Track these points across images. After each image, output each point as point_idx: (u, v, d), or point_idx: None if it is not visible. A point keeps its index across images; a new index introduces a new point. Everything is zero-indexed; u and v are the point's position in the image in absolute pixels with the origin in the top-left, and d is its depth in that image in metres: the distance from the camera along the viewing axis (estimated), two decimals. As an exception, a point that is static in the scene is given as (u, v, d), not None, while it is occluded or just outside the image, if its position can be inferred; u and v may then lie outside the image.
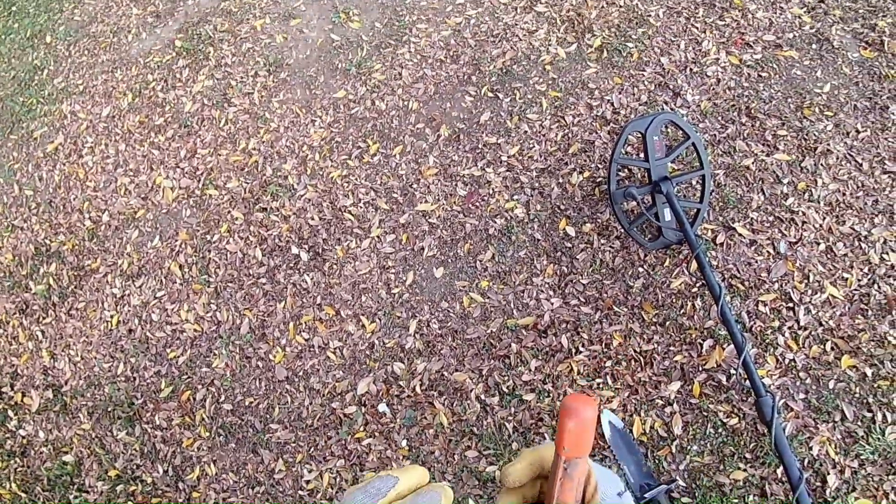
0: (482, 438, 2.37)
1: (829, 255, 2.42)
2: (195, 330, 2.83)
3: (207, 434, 2.65)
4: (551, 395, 2.37)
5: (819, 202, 2.52)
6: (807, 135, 2.66)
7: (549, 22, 3.19)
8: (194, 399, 2.72)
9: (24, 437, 2.88)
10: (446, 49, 3.24)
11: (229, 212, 3.06)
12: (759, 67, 2.86)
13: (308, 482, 2.47)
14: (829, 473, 2.08)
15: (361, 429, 2.49)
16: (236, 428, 2.63)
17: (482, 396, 2.42)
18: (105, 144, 3.44)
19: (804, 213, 2.50)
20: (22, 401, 2.94)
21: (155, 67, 3.64)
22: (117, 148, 3.41)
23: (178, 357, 2.80)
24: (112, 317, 2.98)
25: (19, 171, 3.56)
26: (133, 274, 3.04)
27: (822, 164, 2.59)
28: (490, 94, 3.05)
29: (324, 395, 2.58)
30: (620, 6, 3.14)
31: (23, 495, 2.76)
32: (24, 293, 3.19)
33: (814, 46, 2.89)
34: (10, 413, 2.93)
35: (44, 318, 3.09)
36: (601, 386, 2.35)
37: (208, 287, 2.91)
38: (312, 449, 2.52)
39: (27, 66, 4.00)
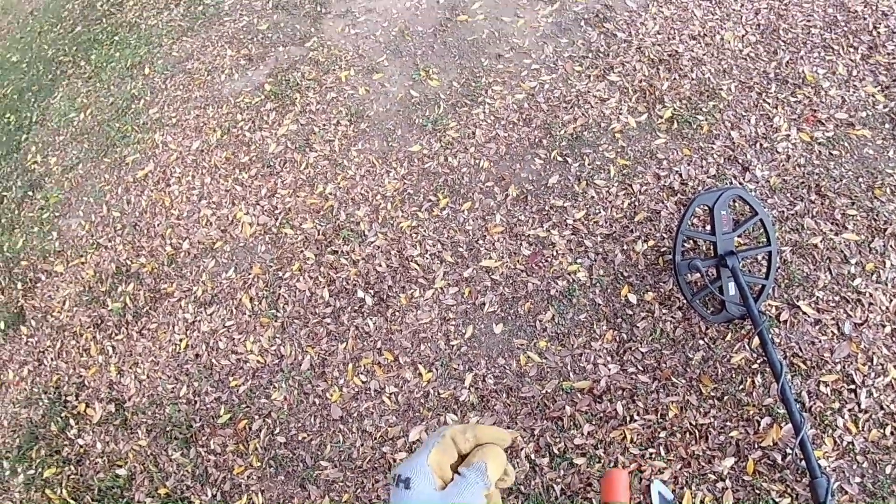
0: (528, 498, 2.38)
1: (894, 338, 2.38)
2: (258, 361, 2.95)
3: (259, 464, 2.72)
4: (602, 461, 2.38)
5: (887, 284, 2.49)
6: (877, 215, 2.64)
7: (620, 91, 3.27)
8: (250, 428, 2.81)
9: (81, 447, 2.99)
10: (519, 112, 3.36)
11: (302, 251, 3.20)
12: (831, 145, 2.87)
13: (354, 522, 2.52)
14: (880, 562, 2.03)
15: (411, 475, 2.53)
16: (287, 461, 2.70)
17: (532, 456, 2.44)
18: (192, 176, 3.66)
19: (871, 295, 2.48)
20: (85, 411, 3.07)
21: (244, 108, 3.87)
22: (203, 181, 3.62)
23: (240, 386, 2.91)
24: (181, 340, 3.12)
25: (109, 192, 3.80)
26: (205, 301, 3.19)
27: (891, 246, 2.57)
28: (559, 158, 3.14)
29: (375, 439, 2.64)
30: (692, 79, 3.21)
31: (72, 502, 2.85)
32: (100, 308, 3.37)
33: (887, 126, 2.88)
34: (72, 421, 3.06)
35: (116, 335, 3.26)
36: (653, 456, 2.34)
37: (275, 321, 3.03)
38: (359, 490, 2.56)
39: (125, 95, 4.29)
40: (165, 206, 3.59)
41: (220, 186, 3.57)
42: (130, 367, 3.14)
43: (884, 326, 2.40)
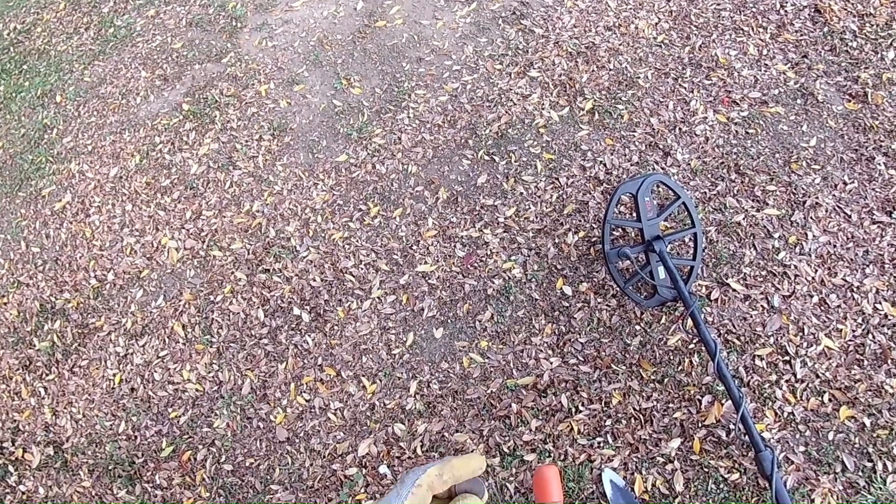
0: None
1: (822, 308, 2.47)
2: (197, 390, 2.85)
3: (208, 494, 2.64)
4: (552, 454, 2.38)
5: (810, 255, 2.58)
6: (795, 189, 2.73)
7: (542, 86, 3.30)
8: (195, 459, 2.72)
9: (23, 493, 2.86)
10: (444, 114, 3.35)
11: (233, 273, 3.12)
12: (747, 124, 2.95)
13: (309, 545, 2.46)
14: (831, 526, 2.08)
15: (362, 491, 2.49)
16: (237, 489, 2.63)
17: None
18: (112, 204, 3.52)
19: (796, 267, 2.56)
20: (23, 457, 2.93)
21: (162, 130, 3.74)
22: (124, 208, 3.48)
23: (180, 417, 2.82)
24: (115, 375, 3.00)
25: (27, 227, 3.62)
26: (136, 333, 3.08)
27: (811, 218, 2.66)
28: (486, 158, 3.14)
29: (324, 457, 2.59)
30: (610, 69, 3.26)
31: (21, 552, 2.74)
32: (27, 349, 3.21)
33: (799, 101, 2.98)
34: (11, 468, 2.92)
35: (47, 375, 3.11)
36: (602, 444, 2.37)
37: (211, 347, 2.94)
38: (313, 511, 2.51)
39: (37, 125, 4.10)
40: (87, 238, 3.43)
41: (143, 213, 3.44)
42: (65, 408, 3.00)
43: (811, 296, 2.48)
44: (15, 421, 3.04)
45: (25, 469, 2.91)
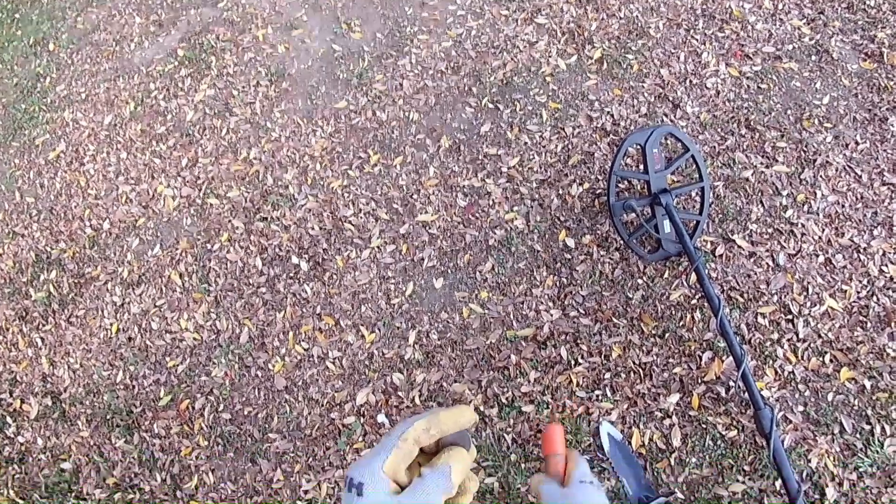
0: (481, 450, 2.37)
1: (828, 268, 2.43)
2: (194, 339, 2.83)
3: (206, 443, 2.64)
4: (550, 406, 2.37)
5: (818, 214, 2.53)
6: (806, 146, 2.67)
7: (549, 33, 3.20)
8: (193, 408, 2.71)
9: (22, 444, 2.87)
10: (447, 60, 3.26)
11: (230, 221, 3.07)
12: (759, 79, 2.87)
13: (306, 492, 2.47)
14: (827, 486, 2.09)
15: (360, 439, 2.49)
16: (235, 437, 2.63)
17: (481, 408, 2.42)
18: (106, 153, 3.45)
19: (803, 225, 2.51)
20: (21, 407, 2.93)
21: (157, 76, 3.65)
22: (119, 156, 3.42)
23: (178, 366, 2.80)
24: (112, 325, 2.98)
25: (21, 178, 3.57)
26: (133, 282, 3.04)
27: (821, 176, 2.60)
28: (490, 106, 3.06)
29: (322, 406, 2.58)
30: (620, 18, 3.16)
31: (20, 502, 2.74)
32: (24, 300, 3.18)
33: (813, 58, 2.90)
34: (9, 420, 2.92)
35: (43, 326, 3.09)
36: (600, 398, 2.35)
37: (208, 296, 2.91)
38: (311, 459, 2.51)
39: (30, 74, 4.01)
40: (81, 187, 3.38)
41: (138, 161, 3.37)
42: (62, 358, 2.99)
43: (817, 256, 2.44)
44: (12, 372, 3.03)
45: (23, 420, 2.91)
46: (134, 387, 2.83)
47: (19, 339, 3.10)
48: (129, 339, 2.93)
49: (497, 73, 3.14)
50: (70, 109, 3.71)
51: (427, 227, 2.84)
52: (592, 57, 3.07)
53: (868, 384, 2.20)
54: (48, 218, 3.37)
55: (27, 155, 3.64)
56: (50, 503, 2.73)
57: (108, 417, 2.80)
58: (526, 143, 2.92)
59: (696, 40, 3.03)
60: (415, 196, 2.92)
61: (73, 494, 2.72)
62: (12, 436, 2.90)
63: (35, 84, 3.95)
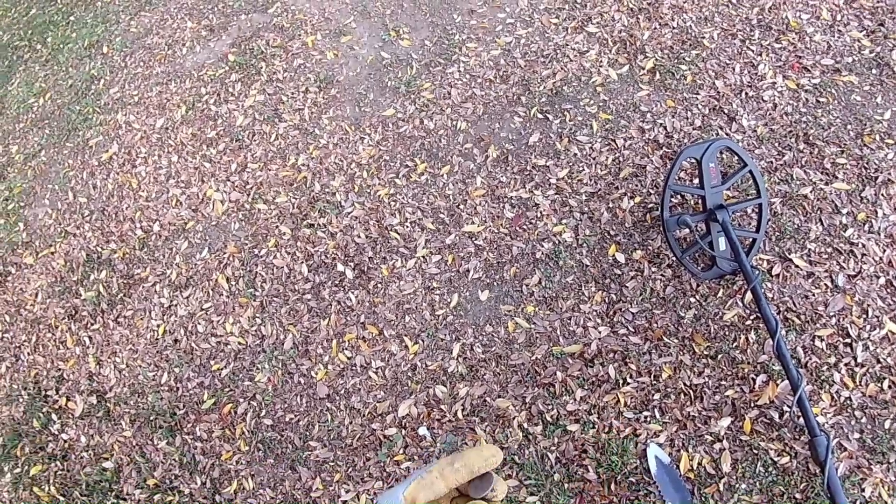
0: (523, 468, 2.33)
1: (889, 290, 2.33)
2: (239, 343, 2.86)
3: (247, 448, 2.66)
4: (596, 426, 2.32)
5: (879, 234, 2.43)
6: (867, 163, 2.57)
7: (600, 43, 3.15)
8: (235, 412, 2.73)
9: (65, 441, 2.92)
10: (496, 69, 3.23)
11: (277, 226, 3.09)
12: (818, 92, 2.78)
13: (345, 503, 2.46)
14: (882, 517, 2.00)
15: (401, 451, 2.47)
16: (275, 443, 2.64)
17: (525, 425, 2.38)
18: (158, 155, 3.52)
19: (864, 245, 2.42)
20: (66, 405, 2.99)
21: (208, 81, 3.71)
22: (170, 159, 3.48)
23: (222, 370, 2.83)
24: (158, 326, 3.02)
25: (74, 178, 3.65)
26: (181, 285, 3.09)
27: (882, 195, 2.50)
28: (539, 116, 3.02)
29: (364, 416, 2.57)
30: (673, 27, 3.09)
31: (61, 499, 2.79)
32: (73, 299, 3.26)
33: (874, 71, 2.80)
34: (54, 416, 2.98)
35: (92, 325, 3.16)
36: (648, 419, 2.29)
37: (254, 301, 2.93)
38: (351, 469, 2.50)
39: (84, 76, 4.12)
40: (133, 189, 3.44)
41: (188, 164, 3.42)
42: (109, 357, 3.04)
43: (878, 277, 2.35)
44: (59, 370, 3.10)
45: (68, 417, 2.97)
46: (178, 389, 2.87)
47: (68, 337, 3.16)
48: (175, 340, 2.97)
49: (546, 83, 3.10)
50: (123, 112, 3.79)
51: (473, 239, 2.81)
52: (644, 67, 3.01)
53: (928, 413, 2.10)
54: (100, 218, 3.44)
55: (81, 156, 3.73)
56: (90, 501, 2.77)
57: (151, 418, 2.83)
58: (575, 155, 2.87)
59: (752, 51, 2.95)
60: (461, 206, 2.90)
61: (114, 494, 2.75)
62: (56, 433, 2.95)
63: (89, 86, 4.06)
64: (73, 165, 3.71)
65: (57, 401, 3.02)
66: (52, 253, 3.44)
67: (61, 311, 3.25)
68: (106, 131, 3.75)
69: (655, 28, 3.11)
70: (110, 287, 3.21)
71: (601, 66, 3.07)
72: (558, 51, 3.18)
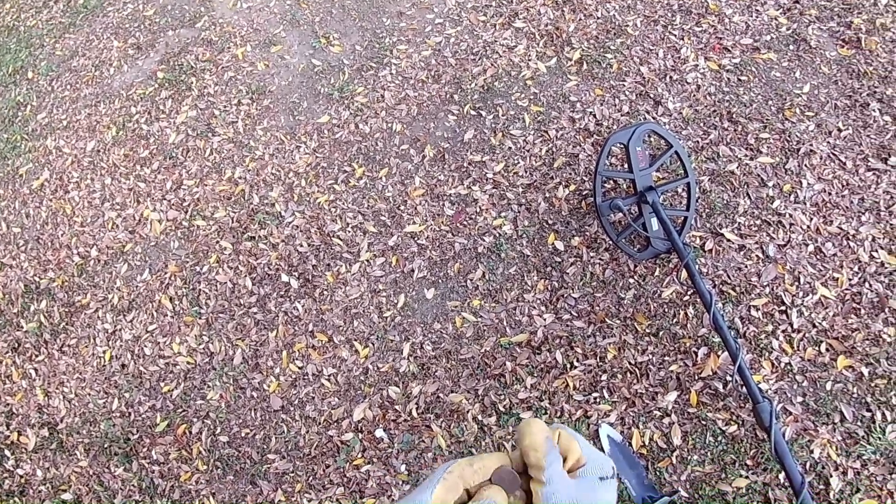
0: (481, 459, 2.35)
1: (818, 256, 2.43)
2: (188, 362, 2.81)
3: (205, 467, 2.62)
4: (548, 412, 2.36)
5: (805, 203, 2.53)
6: (789, 136, 2.67)
7: (527, 37, 3.20)
8: (190, 432, 2.69)
9: (21, 477, 2.84)
10: (427, 69, 3.25)
11: (217, 242, 3.05)
12: (739, 71, 2.88)
13: (308, 512, 2.45)
14: (831, 476, 2.08)
15: (359, 455, 2.47)
16: (234, 460, 2.60)
17: (479, 417, 2.41)
18: (91, 179, 3.43)
19: (791, 215, 2.51)
20: (18, 440, 2.91)
21: (138, 100, 3.64)
22: (103, 182, 3.40)
23: (173, 390, 2.78)
24: (104, 352, 2.95)
25: (6, 208, 3.54)
26: (124, 308, 3.02)
27: (806, 165, 2.60)
28: (473, 112, 3.06)
29: (320, 423, 2.56)
30: (598, 18, 3.16)
31: (23, 535, 2.72)
32: (15, 331, 3.16)
33: (791, 47, 2.91)
34: (7, 452, 2.89)
35: (36, 356, 3.07)
36: (598, 400, 2.34)
37: (199, 319, 2.89)
38: (311, 478, 2.49)
39: (10, 103, 3.99)
40: (67, 215, 3.35)
41: (122, 186, 3.35)
42: (57, 388, 2.96)
43: (806, 245, 2.44)
44: (8, 404, 3.00)
45: (22, 452, 2.89)
46: (130, 414, 2.81)
47: (13, 371, 3.07)
48: (123, 365, 2.90)
49: (478, 80, 3.14)
50: (52, 137, 3.68)
51: (416, 238, 2.82)
52: (572, 58, 3.07)
53: (866, 371, 2.20)
54: (35, 247, 3.34)
55: (11, 185, 3.61)
56: (52, 535, 2.70)
57: (106, 446, 2.77)
58: (510, 148, 2.92)
59: (675, 36, 3.04)
60: (402, 207, 2.91)
61: (76, 525, 2.69)
62: (11, 469, 2.87)
63: (16, 113, 3.93)
64: (3, 195, 3.59)
65: (8, 436, 2.93)
66: (-11, 287, 3.34)
67: (4, 345, 3.15)
68: (36, 158, 3.64)
69: (580, 19, 3.18)
70: (52, 316, 3.13)
71: (530, 60, 3.12)
72: (487, 47, 3.22)
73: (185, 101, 3.53)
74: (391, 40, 3.41)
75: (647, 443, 2.26)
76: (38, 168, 3.60)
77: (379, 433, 2.49)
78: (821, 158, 2.60)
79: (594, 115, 2.89)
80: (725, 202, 2.58)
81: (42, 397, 2.96)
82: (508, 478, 0.62)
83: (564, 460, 0.61)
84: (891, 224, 2.43)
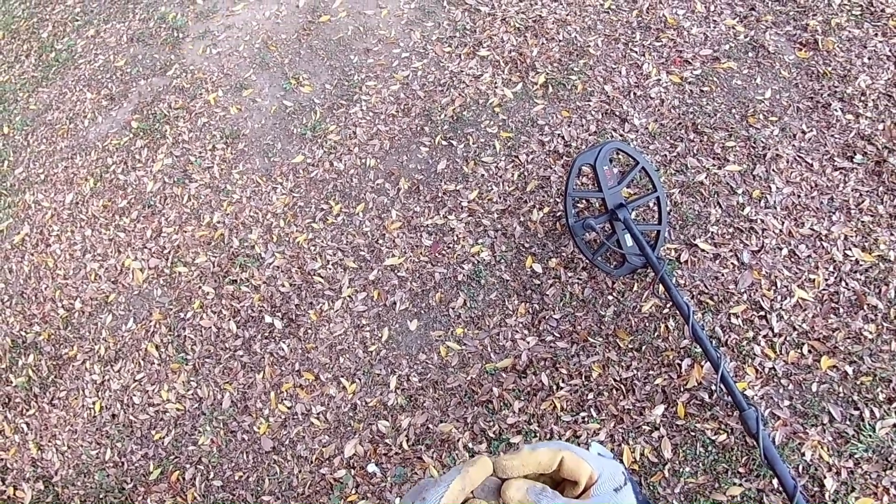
0: (474, 486, 2.36)
1: (793, 259, 2.46)
2: (177, 409, 2.81)
3: (201, 513, 2.61)
4: (538, 434, 2.37)
5: (776, 207, 2.57)
6: (755, 143, 2.72)
7: (492, 65, 3.26)
8: (184, 479, 2.68)
9: (19, 534, 2.82)
10: (397, 103, 3.30)
11: (200, 287, 3.06)
12: (700, 83, 2.94)
13: (306, 552, 2.44)
14: (825, 477, 2.09)
15: (353, 491, 2.47)
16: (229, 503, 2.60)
17: (469, 445, 2.42)
18: (71, 231, 3.44)
19: (763, 221, 2.55)
20: (14, 494, 2.88)
21: (113, 150, 3.66)
22: (83, 234, 3.41)
23: (164, 438, 2.78)
24: (94, 403, 2.95)
25: (-12, 266, 3.54)
26: (111, 359, 3.02)
27: (773, 170, 2.65)
28: (444, 143, 3.11)
29: (312, 462, 2.57)
30: (559, 40, 3.23)
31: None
32: (5, 387, 3.15)
33: (750, 55, 2.97)
34: (4, 509, 2.88)
35: (27, 410, 3.05)
36: (586, 419, 2.36)
37: (186, 365, 2.89)
38: (307, 517, 2.49)
39: (-13, 160, 4.00)
40: (49, 268, 3.36)
41: (103, 236, 3.36)
42: (49, 441, 2.95)
43: (780, 249, 2.47)
44: (2, 459, 2.99)
45: (18, 507, 2.87)
46: (123, 463, 2.80)
47: (5, 426, 3.05)
48: (113, 415, 2.90)
49: (447, 110, 3.19)
50: (31, 191, 3.69)
51: (395, 271, 2.85)
52: (537, 82, 3.13)
53: (850, 370, 2.22)
54: (20, 302, 3.34)
55: (-8, 242, 3.62)
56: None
57: (101, 497, 2.75)
58: (483, 175, 2.96)
59: (636, 52, 3.11)
60: (380, 241, 2.94)
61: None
62: (9, 525, 2.85)
63: (-7, 170, 3.94)
64: (-16, 253, 3.59)
65: (4, 491, 2.90)
66: (-25, 345, 3.33)
67: (-7, 402, 3.14)
68: (15, 213, 3.65)
69: (543, 43, 3.24)
70: (40, 370, 3.12)
71: (496, 87, 3.18)
72: (454, 78, 3.28)
73: (160, 149, 3.56)
74: (360, 77, 3.46)
75: (638, 458, 2.27)
76: (18, 223, 3.61)
77: (371, 468, 2.49)
78: (787, 162, 2.65)
79: (562, 137, 2.94)
80: (697, 213, 2.62)
81: (35, 451, 2.94)
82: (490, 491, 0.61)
83: (576, 483, 0.60)
84: (862, 221, 2.48)
